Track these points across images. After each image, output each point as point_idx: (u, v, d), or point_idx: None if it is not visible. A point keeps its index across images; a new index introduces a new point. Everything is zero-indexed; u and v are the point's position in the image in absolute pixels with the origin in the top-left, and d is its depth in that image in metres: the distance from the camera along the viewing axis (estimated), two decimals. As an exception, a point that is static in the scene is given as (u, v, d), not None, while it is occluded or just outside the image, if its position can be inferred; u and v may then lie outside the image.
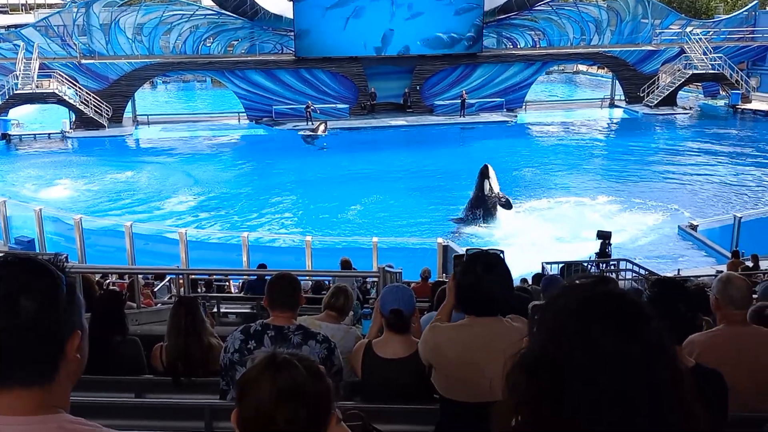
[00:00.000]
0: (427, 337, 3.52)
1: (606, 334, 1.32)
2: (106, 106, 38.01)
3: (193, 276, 12.17)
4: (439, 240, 20.05)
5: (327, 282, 11.93)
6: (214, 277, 14.04)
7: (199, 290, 12.84)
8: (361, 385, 4.15)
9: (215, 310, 10.04)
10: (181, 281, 10.77)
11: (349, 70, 40.70)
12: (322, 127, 37.88)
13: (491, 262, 3.35)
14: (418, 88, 41.67)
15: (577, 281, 1.45)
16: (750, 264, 15.99)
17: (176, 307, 4.66)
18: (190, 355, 4.51)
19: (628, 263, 14.52)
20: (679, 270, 17.47)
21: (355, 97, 41.24)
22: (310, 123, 38.82)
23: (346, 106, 40.93)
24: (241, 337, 3.98)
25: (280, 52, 41.81)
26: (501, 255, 3.51)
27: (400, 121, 40.29)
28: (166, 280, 12.91)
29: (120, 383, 4.73)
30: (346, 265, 13.75)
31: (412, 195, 28.05)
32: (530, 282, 11.69)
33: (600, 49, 43.63)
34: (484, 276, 3.28)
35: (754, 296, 4.94)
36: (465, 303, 3.41)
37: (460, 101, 40.89)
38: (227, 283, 15.06)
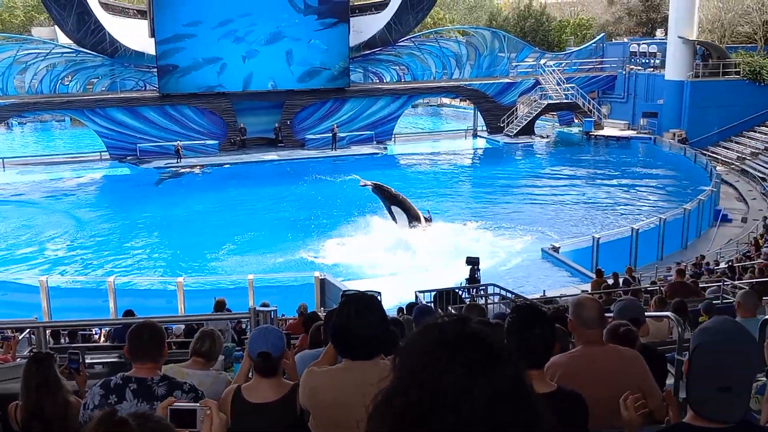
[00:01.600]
0: (304, 382, 3.47)
1: (457, 375, 1.34)
2: (-46, 149, 35.69)
3: (51, 328, 11.50)
4: (316, 274, 19.95)
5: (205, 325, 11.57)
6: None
7: (62, 341, 12.14)
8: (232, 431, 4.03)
9: (80, 360, 9.48)
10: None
11: (217, 106, 40.20)
12: (197, 169, 37.36)
13: (362, 305, 3.32)
14: (288, 123, 41.68)
15: (436, 321, 1.48)
16: (611, 282, 16.85)
17: (29, 364, 4.39)
18: (45, 414, 4.25)
19: (495, 287, 14.99)
20: (544, 291, 18.17)
21: (224, 132, 40.73)
22: (178, 161, 37.97)
23: (216, 142, 40.36)
24: (101, 392, 3.80)
25: (143, 89, 40.77)
26: (376, 296, 3.50)
27: (271, 156, 40.10)
28: (26, 332, 12.10)
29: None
30: (220, 306, 13.42)
31: (288, 229, 27.81)
32: (405, 311, 11.83)
33: (461, 83, 45.33)
34: (355, 318, 3.25)
35: (610, 315, 5.19)
36: (339, 346, 3.38)
37: (331, 135, 41.27)
38: (93, 332, 14.32)
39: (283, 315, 15.01)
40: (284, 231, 27.60)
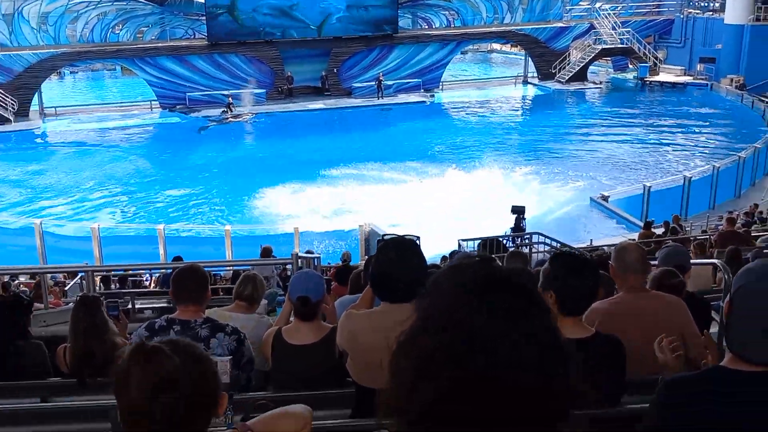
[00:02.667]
0: (342, 325, 3.51)
1: (490, 316, 1.30)
2: (11, 99, 36.42)
3: (101, 273, 11.83)
4: (361, 223, 20.09)
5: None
6: (130, 271, 13.66)
7: (112, 286, 12.49)
8: (273, 373, 4.12)
9: (129, 306, 9.78)
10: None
11: (265, 54, 40.15)
12: (245, 117, 37.63)
13: (403, 248, 3.33)
14: (335, 71, 41.45)
15: (460, 262, 1.43)
16: (661, 231, 16.53)
17: (76, 308, 4.53)
18: (94, 356, 4.39)
19: (540, 236, 14.80)
20: (591, 240, 17.95)
21: (271, 81, 40.74)
22: (229, 112, 38.17)
23: (263, 90, 40.40)
24: (146, 334, 3.90)
25: (192, 37, 40.89)
26: (416, 240, 3.50)
27: (318, 105, 40.04)
28: (78, 277, 12.51)
29: (24, 388, 4.56)
30: (267, 253, 13.61)
31: (333, 178, 27.93)
32: (449, 259, 11.83)
33: (512, 28, 44.27)
34: (396, 262, 3.26)
35: (654, 263, 5.11)
36: (379, 289, 3.40)
37: (376, 84, 40.93)
38: (143, 278, 14.69)
39: (329, 263, 15.20)
40: (329, 180, 27.73)
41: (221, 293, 11.60)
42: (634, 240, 15.52)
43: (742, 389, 2.25)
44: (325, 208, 24.95)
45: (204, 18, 39.32)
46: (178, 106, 39.34)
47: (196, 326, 3.89)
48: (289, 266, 11.64)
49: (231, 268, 13.06)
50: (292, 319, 4.20)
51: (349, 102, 40.62)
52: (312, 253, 12.89)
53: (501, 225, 18.99)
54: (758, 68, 39.10)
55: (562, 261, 3.24)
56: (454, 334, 1.31)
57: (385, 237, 3.55)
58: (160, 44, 39.59)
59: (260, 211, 25.05)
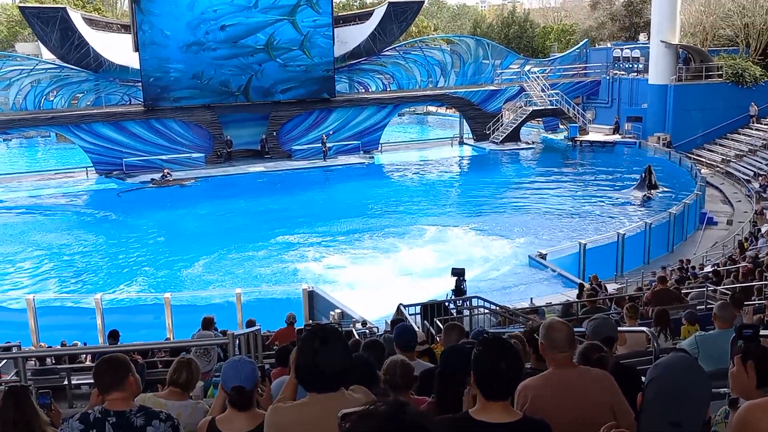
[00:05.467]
0: (270, 420, 3.46)
1: None
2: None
3: (32, 356, 11.50)
4: (304, 286, 19.96)
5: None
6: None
7: (48, 360, 12.14)
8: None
9: (65, 382, 9.52)
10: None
11: (203, 119, 40.18)
12: (186, 182, 37.36)
13: (327, 337, 3.32)
14: (275, 134, 41.71)
15: (372, 408, 1.75)
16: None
17: (4, 398, 4.39)
18: (25, 450, 4.26)
19: (479, 300, 15.00)
20: (531, 299, 18.23)
21: (210, 145, 40.70)
22: (166, 176, 37.86)
23: (202, 155, 40.30)
24: (81, 427, 3.81)
25: (128, 103, 40.73)
26: (338, 328, 3.53)
27: (258, 168, 40.09)
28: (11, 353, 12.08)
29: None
30: (208, 323, 13.37)
31: (276, 241, 27.80)
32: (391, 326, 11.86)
33: (446, 91, 45.48)
34: (320, 352, 3.25)
35: (581, 330, 5.25)
36: (305, 381, 3.37)
37: (321, 145, 41.27)
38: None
39: (269, 331, 15.05)
40: (272, 243, 27.59)
41: (159, 366, 11.39)
42: (569, 298, 15.84)
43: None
44: (267, 271, 24.76)
45: (140, 84, 39.26)
46: (114, 172, 38.88)
47: (131, 415, 3.85)
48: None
49: (168, 347, 12.79)
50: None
51: (289, 165, 40.81)
52: (254, 323, 12.78)
53: (443, 285, 19.14)
54: (683, 126, 40.85)
55: (485, 347, 3.28)
56: None
57: (307, 327, 3.57)
58: (95, 110, 39.28)
59: (201, 277, 24.65)
